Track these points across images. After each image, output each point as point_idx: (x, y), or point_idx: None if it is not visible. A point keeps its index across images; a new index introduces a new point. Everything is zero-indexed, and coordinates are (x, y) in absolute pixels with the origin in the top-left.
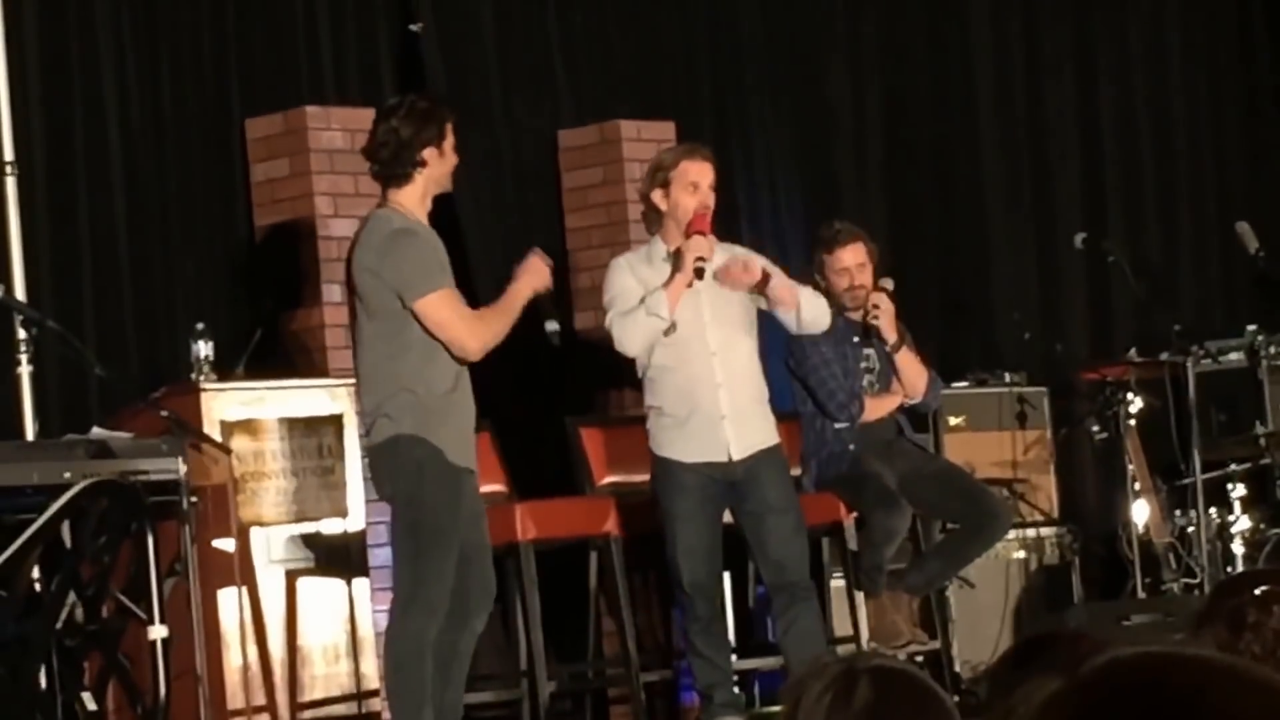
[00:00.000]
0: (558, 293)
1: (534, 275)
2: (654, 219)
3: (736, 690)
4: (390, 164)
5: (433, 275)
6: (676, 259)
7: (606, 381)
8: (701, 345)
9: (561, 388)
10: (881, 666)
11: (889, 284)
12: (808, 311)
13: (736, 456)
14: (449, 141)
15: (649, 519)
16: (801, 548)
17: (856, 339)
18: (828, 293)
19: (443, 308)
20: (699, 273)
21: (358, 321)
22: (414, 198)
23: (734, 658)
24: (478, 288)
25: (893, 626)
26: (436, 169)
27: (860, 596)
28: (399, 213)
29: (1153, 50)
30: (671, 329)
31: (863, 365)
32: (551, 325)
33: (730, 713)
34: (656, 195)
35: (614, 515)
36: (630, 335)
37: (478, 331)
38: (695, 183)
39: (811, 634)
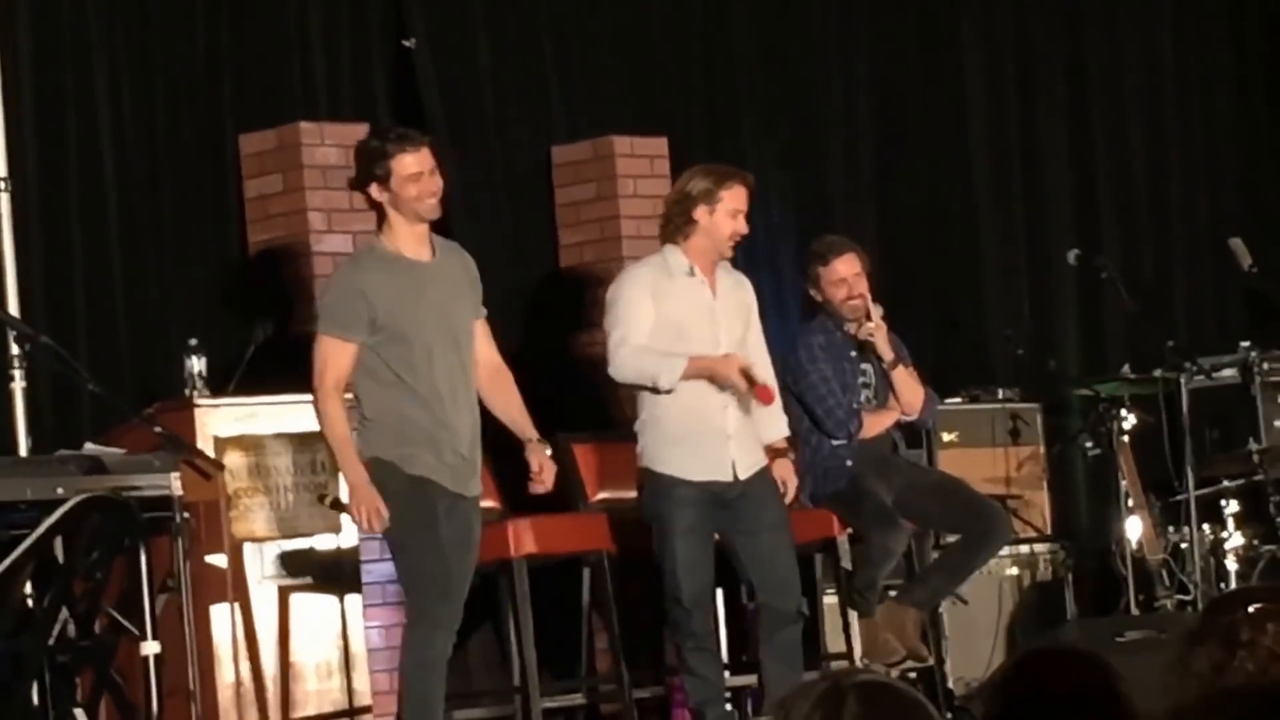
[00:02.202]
0: (550, 308)
1: None
2: (680, 229)
3: (729, 708)
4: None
5: (334, 318)
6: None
7: (600, 398)
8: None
9: (555, 404)
10: (867, 681)
11: (880, 310)
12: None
13: (742, 476)
14: (399, 177)
15: (642, 536)
16: (796, 568)
17: (854, 354)
18: (823, 306)
19: (319, 353)
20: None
21: None
22: (390, 228)
23: (726, 674)
24: None
25: (885, 644)
26: (392, 202)
27: (853, 613)
28: (377, 244)
29: (1145, 67)
30: (668, 392)
31: (860, 381)
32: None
33: None
34: (700, 210)
35: (607, 532)
36: (631, 372)
37: (328, 408)
38: (738, 210)
39: (796, 657)
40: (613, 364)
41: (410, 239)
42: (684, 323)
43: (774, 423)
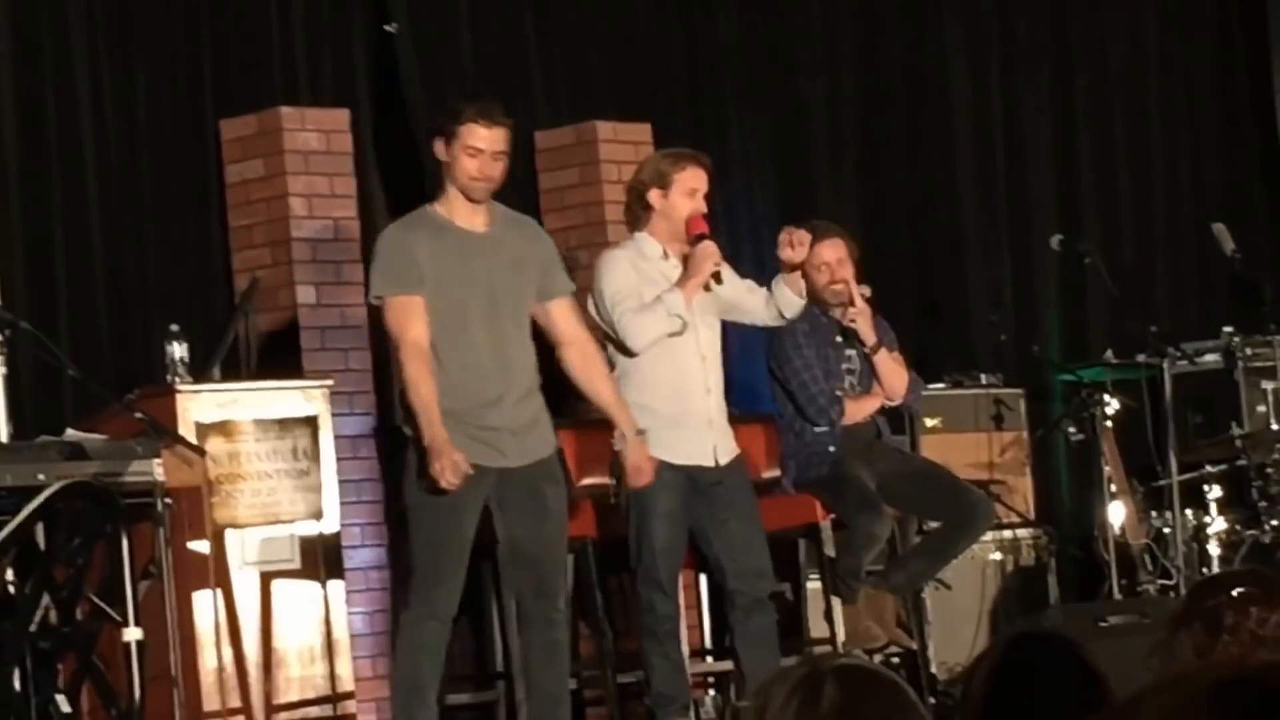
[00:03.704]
0: None
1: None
2: (639, 215)
3: (712, 693)
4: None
5: (387, 279)
6: (686, 261)
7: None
8: (695, 348)
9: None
10: (846, 665)
11: (865, 291)
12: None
13: (722, 462)
14: (462, 143)
15: (623, 521)
16: (768, 555)
17: (838, 339)
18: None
19: (389, 319)
20: (716, 277)
21: None
22: (445, 194)
23: (709, 659)
24: None
25: (867, 631)
26: (449, 167)
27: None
28: (431, 206)
29: (1129, 51)
30: (683, 329)
31: (844, 367)
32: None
33: (685, 715)
34: (654, 194)
35: (590, 518)
36: (645, 332)
37: (413, 370)
38: (695, 189)
39: (766, 643)
40: (625, 335)
41: (463, 208)
42: None
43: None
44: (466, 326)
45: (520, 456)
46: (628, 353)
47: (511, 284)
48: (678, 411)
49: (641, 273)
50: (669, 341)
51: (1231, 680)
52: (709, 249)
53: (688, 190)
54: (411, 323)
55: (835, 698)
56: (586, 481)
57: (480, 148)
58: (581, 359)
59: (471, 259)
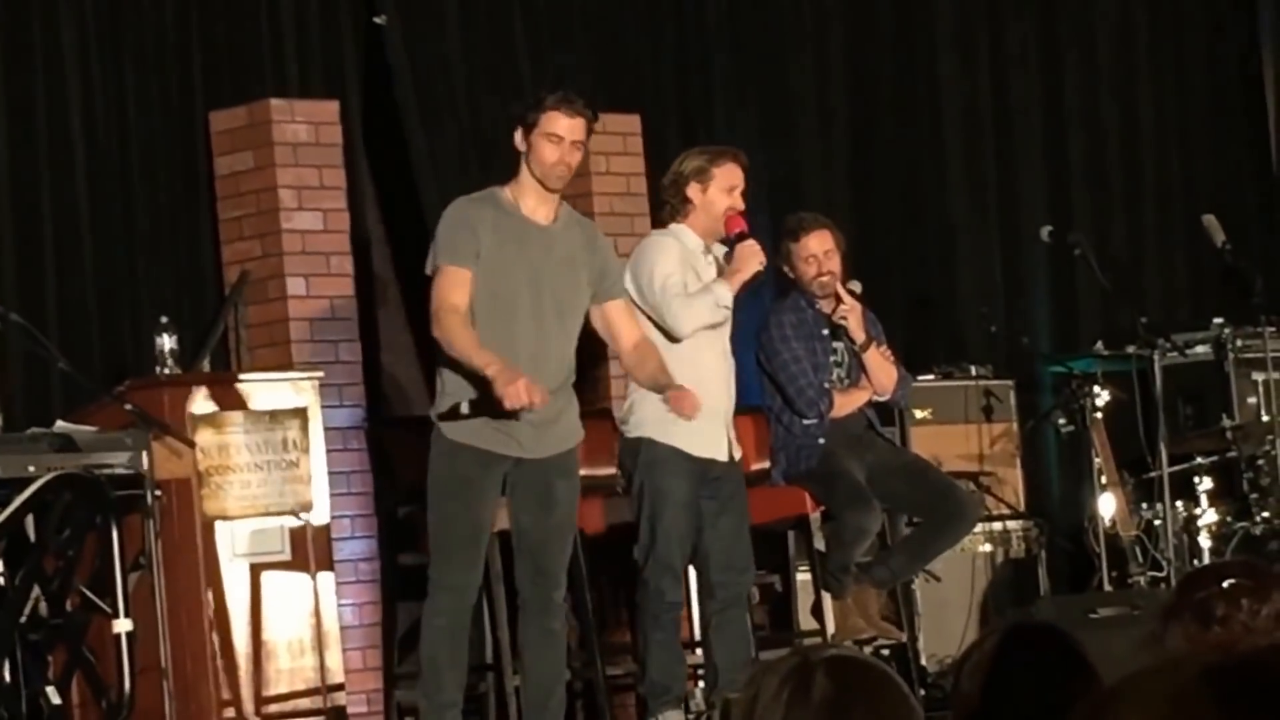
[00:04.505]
0: None
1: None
2: (678, 209)
3: (701, 684)
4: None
5: (444, 249)
6: (729, 257)
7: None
8: (722, 345)
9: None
10: (836, 656)
11: (856, 286)
12: None
13: (737, 456)
14: (541, 131)
15: (615, 513)
16: (751, 553)
17: (826, 332)
18: (795, 284)
19: (435, 286)
20: (757, 276)
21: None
22: (518, 181)
23: (697, 651)
24: None
25: (855, 625)
26: (529, 151)
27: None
28: (502, 189)
29: (1119, 41)
30: (724, 321)
31: (832, 359)
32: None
33: (679, 707)
34: (693, 188)
35: (583, 510)
36: (693, 318)
37: (446, 326)
38: (734, 186)
39: (742, 637)
40: (674, 319)
41: (532, 197)
42: None
43: None
44: (511, 313)
45: (537, 449)
46: (669, 336)
47: (561, 279)
48: (699, 404)
49: (684, 262)
50: (700, 334)
51: (1218, 666)
52: (753, 248)
53: (727, 186)
54: (454, 291)
55: (826, 688)
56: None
57: (561, 135)
58: (641, 358)
59: (529, 247)
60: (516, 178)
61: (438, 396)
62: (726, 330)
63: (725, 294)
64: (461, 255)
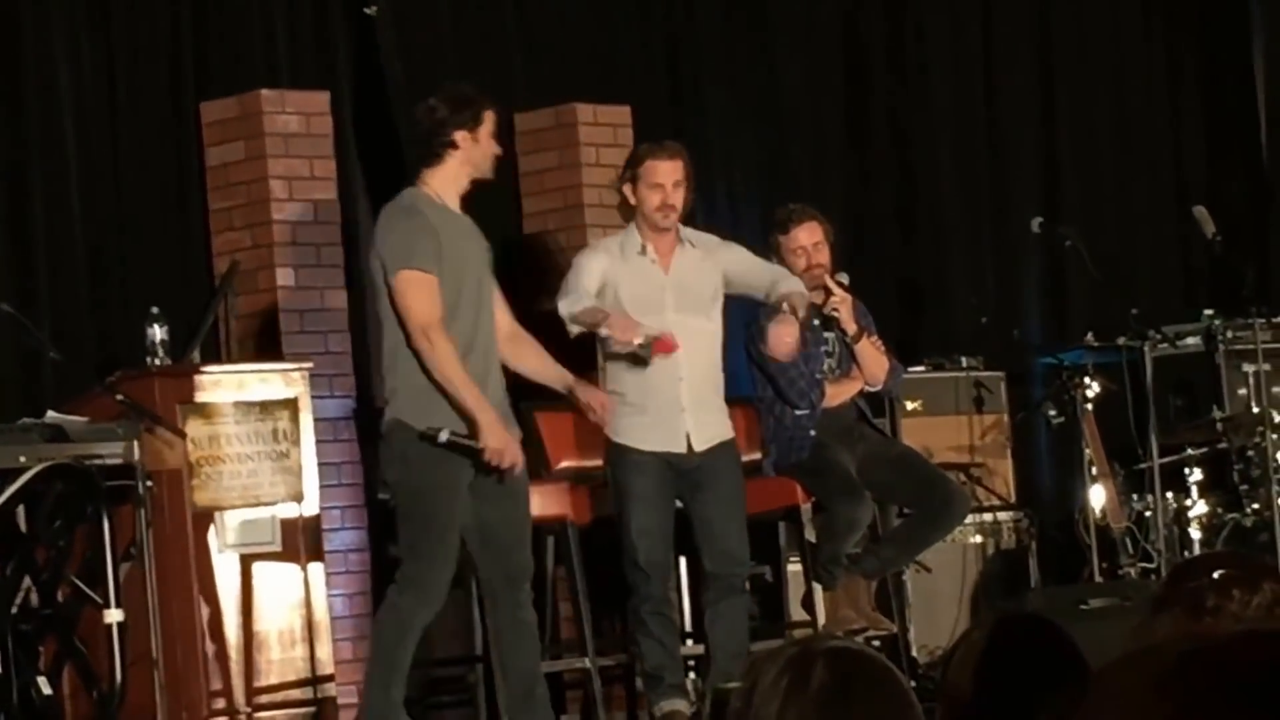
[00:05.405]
0: (513, 277)
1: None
2: (627, 209)
3: (692, 675)
4: (423, 143)
5: (414, 254)
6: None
7: (565, 366)
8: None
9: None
10: (837, 647)
11: (844, 278)
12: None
13: (698, 448)
14: (486, 129)
15: (606, 504)
16: (746, 540)
17: (816, 322)
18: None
19: (410, 289)
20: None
21: (381, 302)
22: (443, 179)
23: (689, 642)
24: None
25: (845, 618)
26: (470, 152)
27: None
28: (422, 192)
29: (1110, 33)
30: (643, 363)
31: (823, 350)
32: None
33: (677, 695)
34: (627, 189)
35: (571, 500)
36: (566, 309)
37: (434, 340)
38: (660, 183)
39: (739, 627)
40: (560, 306)
41: (450, 190)
42: (631, 303)
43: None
44: (476, 312)
45: None
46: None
47: (485, 271)
48: (645, 398)
49: (614, 277)
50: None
51: (1194, 652)
52: (631, 328)
53: (651, 185)
54: (435, 303)
55: (824, 679)
56: (568, 464)
57: (494, 131)
58: (512, 343)
59: (466, 243)
60: (429, 173)
61: (403, 397)
62: (678, 321)
63: (569, 309)
64: (428, 259)
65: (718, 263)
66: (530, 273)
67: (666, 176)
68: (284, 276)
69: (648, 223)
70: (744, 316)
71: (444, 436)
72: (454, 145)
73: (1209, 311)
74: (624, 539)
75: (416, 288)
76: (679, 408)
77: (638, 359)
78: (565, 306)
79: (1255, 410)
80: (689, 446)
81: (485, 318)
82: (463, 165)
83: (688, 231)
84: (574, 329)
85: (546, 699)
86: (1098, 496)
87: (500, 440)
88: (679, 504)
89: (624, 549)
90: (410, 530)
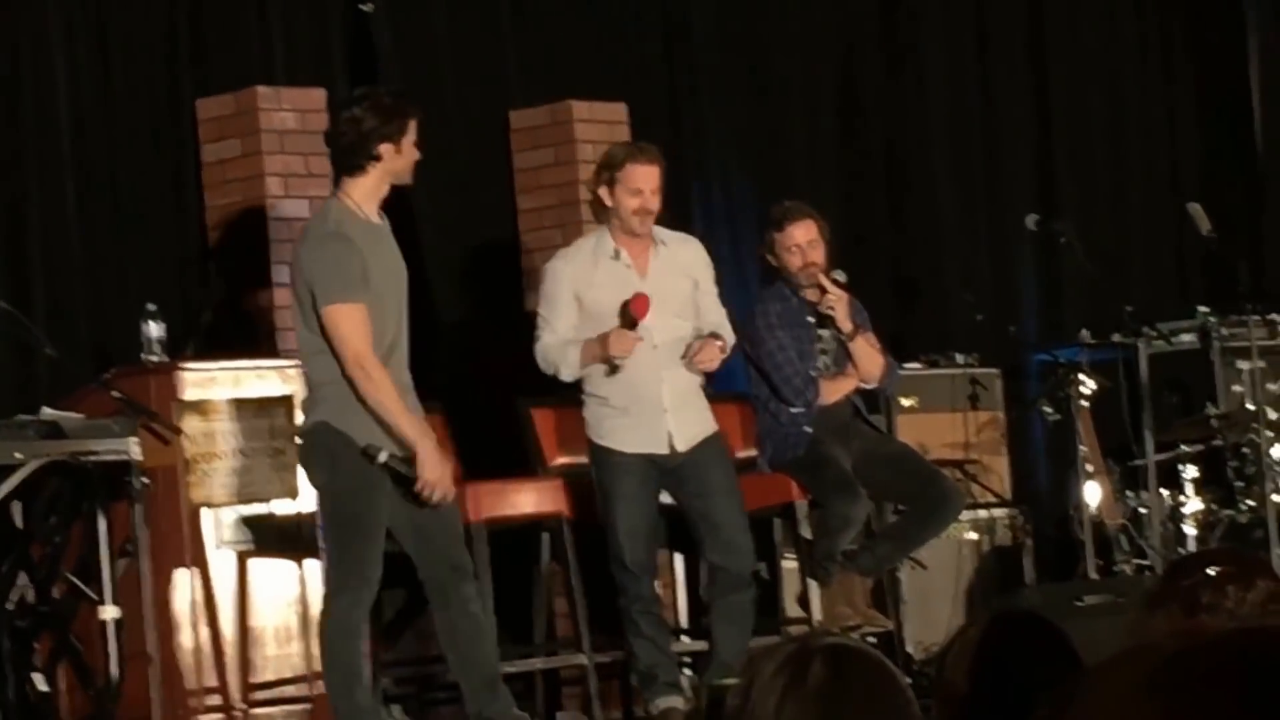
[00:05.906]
0: (510, 274)
1: None
2: (601, 211)
3: (688, 672)
4: (347, 153)
5: (344, 286)
6: (622, 315)
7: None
8: (646, 339)
9: (513, 369)
10: (835, 645)
11: (841, 276)
12: None
13: (680, 449)
14: (409, 138)
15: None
16: (748, 531)
17: (811, 320)
18: (780, 272)
19: (344, 322)
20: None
21: (303, 308)
22: (365, 189)
23: (685, 639)
24: (429, 266)
25: (841, 614)
26: (392, 164)
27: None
28: (346, 206)
29: (1105, 29)
30: (612, 370)
31: (818, 347)
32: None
33: (673, 692)
34: (603, 191)
35: (565, 496)
36: (542, 362)
37: (369, 370)
38: (639, 188)
39: (744, 624)
40: (537, 353)
41: (371, 200)
42: (604, 309)
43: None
44: (399, 318)
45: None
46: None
47: (403, 280)
48: (627, 400)
49: (585, 283)
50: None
51: (1186, 650)
52: (621, 339)
53: (630, 189)
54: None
55: (822, 676)
56: (562, 460)
57: (415, 139)
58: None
59: (386, 252)
60: (348, 184)
61: (331, 402)
62: (666, 321)
63: (570, 370)
64: (355, 288)
65: (687, 262)
66: (526, 269)
67: (646, 181)
68: (280, 273)
69: (623, 227)
70: (739, 314)
71: (383, 458)
72: (378, 158)
73: (1204, 308)
74: (611, 540)
75: (348, 319)
76: (661, 409)
77: (614, 367)
78: (567, 374)
79: (1250, 407)
80: (671, 447)
81: (404, 322)
82: (384, 175)
83: (658, 230)
84: (570, 378)
85: (507, 689)
86: (1093, 493)
87: (436, 473)
88: (673, 502)
89: (611, 550)
90: (340, 532)
